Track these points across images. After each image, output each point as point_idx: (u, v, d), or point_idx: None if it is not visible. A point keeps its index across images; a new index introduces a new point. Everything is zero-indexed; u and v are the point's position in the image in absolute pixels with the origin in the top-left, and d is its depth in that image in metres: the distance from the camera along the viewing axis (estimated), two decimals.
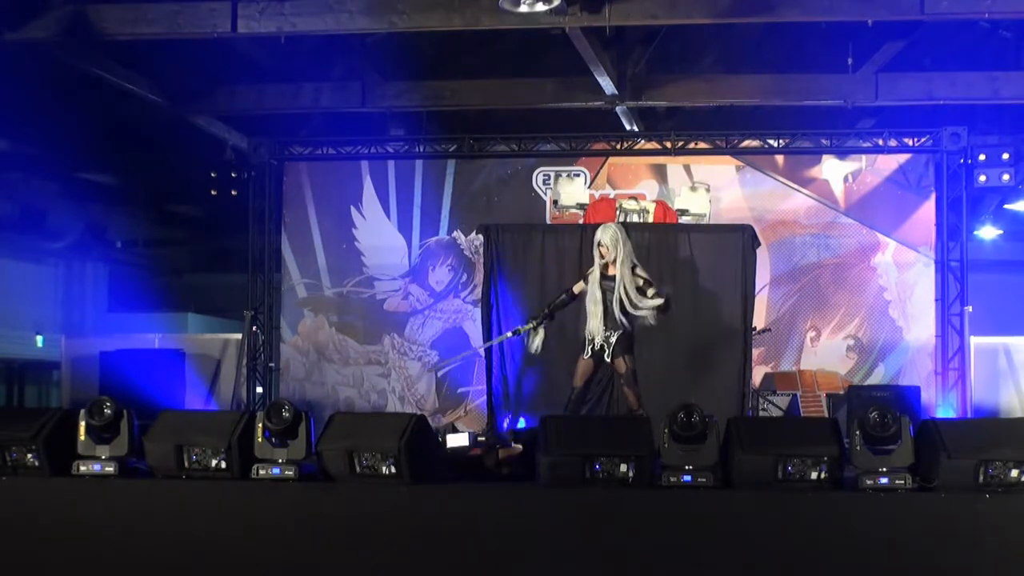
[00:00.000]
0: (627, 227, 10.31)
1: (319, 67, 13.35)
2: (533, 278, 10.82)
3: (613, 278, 9.62)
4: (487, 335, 10.73)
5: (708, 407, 7.60)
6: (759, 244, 10.98)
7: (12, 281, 16.39)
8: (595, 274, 9.70)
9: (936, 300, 13.52)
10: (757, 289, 13.07)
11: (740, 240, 10.53)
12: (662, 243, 10.70)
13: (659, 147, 13.94)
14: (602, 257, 9.68)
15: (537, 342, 9.95)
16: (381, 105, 13.61)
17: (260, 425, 7.48)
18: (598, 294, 9.62)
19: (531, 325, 9.96)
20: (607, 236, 9.72)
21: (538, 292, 10.71)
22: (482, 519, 7.05)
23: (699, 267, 10.65)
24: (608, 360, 9.62)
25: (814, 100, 13.17)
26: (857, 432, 7.06)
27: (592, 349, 9.66)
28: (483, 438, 8.95)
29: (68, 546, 7.16)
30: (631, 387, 9.62)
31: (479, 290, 12.21)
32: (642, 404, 9.54)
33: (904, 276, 13.67)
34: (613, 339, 9.58)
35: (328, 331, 14.42)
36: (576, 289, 9.91)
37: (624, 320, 9.59)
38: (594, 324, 9.62)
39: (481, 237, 11.35)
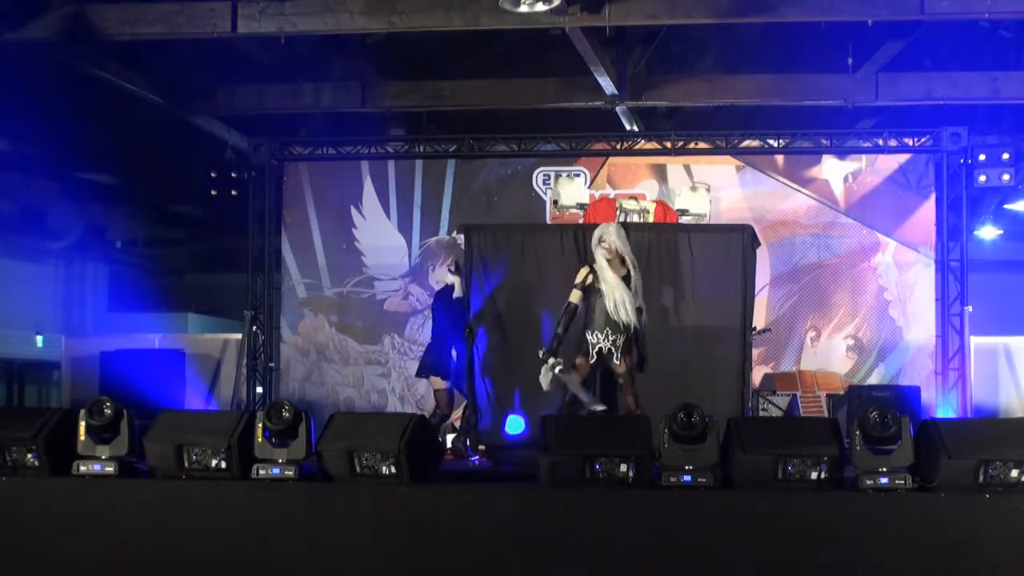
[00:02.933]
0: (627, 227, 10.28)
1: (319, 67, 13.35)
2: (514, 279, 10.76)
3: (623, 279, 9.56)
4: (469, 337, 10.65)
5: (708, 407, 7.60)
6: (759, 244, 10.96)
7: (12, 281, 16.37)
8: (605, 273, 9.58)
9: (936, 300, 13.52)
10: (757, 289, 13.05)
11: (740, 240, 10.51)
12: (662, 243, 10.68)
13: (659, 147, 13.95)
14: (608, 256, 9.59)
15: (548, 379, 9.48)
16: (381, 105, 13.61)
17: (260, 425, 7.48)
18: (612, 293, 9.53)
19: (549, 360, 9.41)
20: (616, 236, 9.62)
21: (519, 293, 10.68)
22: (482, 519, 7.05)
23: (699, 267, 10.63)
24: (617, 363, 9.54)
25: (814, 100, 13.16)
26: (857, 432, 7.07)
27: (597, 352, 9.57)
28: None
29: (68, 546, 7.16)
30: (630, 389, 9.58)
31: None
32: (640, 405, 9.49)
33: (904, 276, 13.67)
34: (620, 342, 9.50)
35: (328, 331, 14.41)
36: (574, 299, 9.63)
37: (630, 321, 9.54)
38: (600, 325, 9.53)
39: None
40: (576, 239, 10.61)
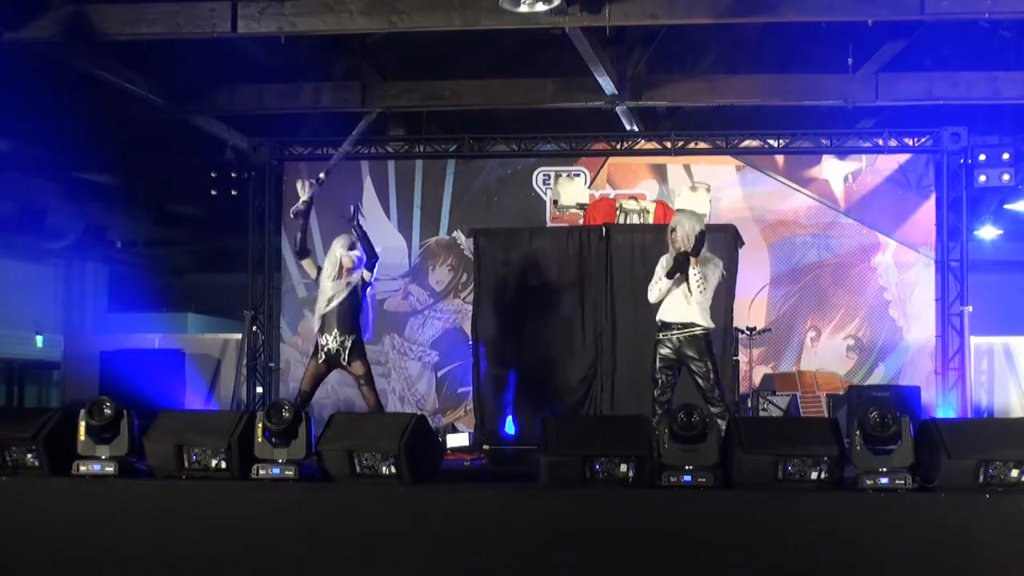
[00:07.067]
0: (612, 229, 10.32)
1: (319, 67, 13.35)
2: (521, 281, 10.85)
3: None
4: (475, 339, 10.79)
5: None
6: (743, 243, 10.97)
7: (12, 281, 16.38)
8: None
9: (936, 300, 13.53)
10: (757, 289, 13.11)
11: (725, 240, 10.52)
12: (662, 243, 10.68)
13: (659, 147, 13.96)
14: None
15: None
16: (381, 105, 13.61)
17: (260, 425, 7.47)
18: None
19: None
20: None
21: (526, 295, 10.75)
22: (482, 519, 7.04)
23: None
24: (347, 364, 9.27)
25: (814, 100, 13.16)
26: (857, 432, 7.05)
27: (325, 353, 9.27)
28: None
29: (68, 546, 7.16)
30: (369, 387, 9.37)
31: None
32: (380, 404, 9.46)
33: (904, 276, 13.68)
34: (348, 343, 9.25)
35: None
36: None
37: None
38: (328, 327, 9.29)
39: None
40: (581, 240, 10.68)
